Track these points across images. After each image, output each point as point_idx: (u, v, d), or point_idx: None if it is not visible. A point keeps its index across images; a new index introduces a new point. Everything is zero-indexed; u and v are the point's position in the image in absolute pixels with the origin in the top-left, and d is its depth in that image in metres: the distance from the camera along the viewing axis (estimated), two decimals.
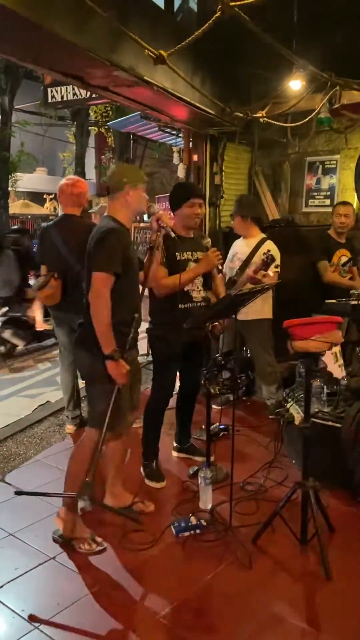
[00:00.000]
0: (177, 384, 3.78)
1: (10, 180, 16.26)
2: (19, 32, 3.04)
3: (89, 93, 6.30)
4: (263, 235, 4.40)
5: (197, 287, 3.43)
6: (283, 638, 2.23)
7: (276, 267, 4.10)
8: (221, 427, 4.17)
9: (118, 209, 2.82)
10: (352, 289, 4.49)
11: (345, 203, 4.82)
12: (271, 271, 3.99)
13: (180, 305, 3.35)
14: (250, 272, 4.01)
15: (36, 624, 2.28)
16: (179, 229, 3.43)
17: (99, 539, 2.80)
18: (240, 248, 4.45)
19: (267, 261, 3.89)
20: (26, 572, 2.59)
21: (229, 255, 4.51)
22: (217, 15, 2.98)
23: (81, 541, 2.77)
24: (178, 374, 3.71)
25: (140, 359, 3.22)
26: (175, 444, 3.88)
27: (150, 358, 5.48)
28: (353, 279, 4.79)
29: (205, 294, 3.49)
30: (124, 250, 2.70)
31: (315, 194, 5.80)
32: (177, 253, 3.37)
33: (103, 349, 2.62)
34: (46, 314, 6.68)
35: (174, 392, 3.65)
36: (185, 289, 3.37)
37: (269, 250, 3.97)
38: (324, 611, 2.38)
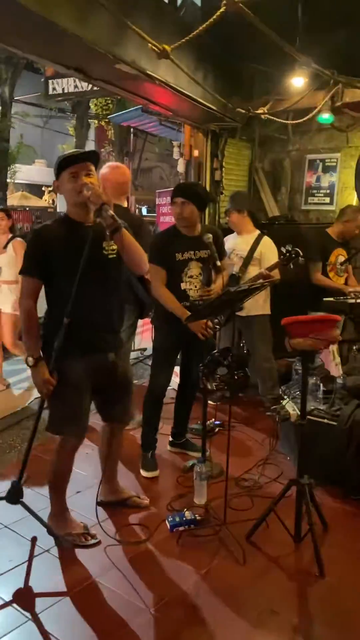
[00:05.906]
0: (178, 379, 3.79)
1: (9, 172, 16.24)
2: (22, 23, 3.02)
3: (90, 86, 6.25)
4: (258, 231, 4.39)
5: (195, 286, 3.43)
6: (276, 634, 2.24)
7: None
8: (216, 423, 4.18)
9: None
10: (341, 291, 4.49)
11: None
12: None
13: None
14: (264, 271, 4.02)
15: (29, 616, 2.29)
16: (179, 227, 3.43)
17: (92, 532, 2.81)
18: (237, 245, 4.42)
19: (292, 256, 3.84)
20: (20, 564, 2.60)
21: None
22: (222, 10, 2.97)
23: (75, 535, 2.77)
24: (178, 369, 3.73)
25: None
26: (170, 439, 3.89)
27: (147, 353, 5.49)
28: (349, 277, 4.80)
29: (203, 292, 3.48)
30: (49, 249, 2.53)
31: (315, 191, 5.79)
32: (176, 253, 3.36)
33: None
34: None
35: (174, 388, 3.66)
36: (182, 287, 3.38)
37: (292, 246, 3.91)
38: (316, 608, 2.39)
